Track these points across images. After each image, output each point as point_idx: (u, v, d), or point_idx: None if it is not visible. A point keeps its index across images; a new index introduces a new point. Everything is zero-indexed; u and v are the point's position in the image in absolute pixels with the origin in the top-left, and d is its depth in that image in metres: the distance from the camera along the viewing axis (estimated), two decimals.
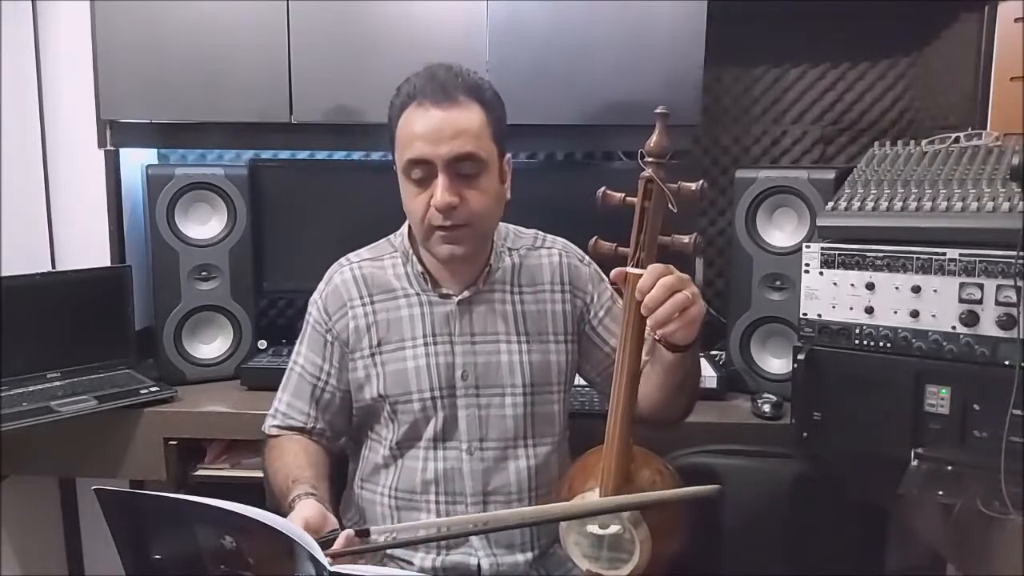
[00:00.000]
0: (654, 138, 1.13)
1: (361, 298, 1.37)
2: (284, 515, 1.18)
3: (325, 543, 1.05)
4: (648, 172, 1.13)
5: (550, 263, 1.41)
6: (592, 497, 1.17)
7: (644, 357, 1.32)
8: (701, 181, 1.12)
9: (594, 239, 1.18)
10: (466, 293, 1.35)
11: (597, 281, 1.42)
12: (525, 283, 1.39)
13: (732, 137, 2.16)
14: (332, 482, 1.33)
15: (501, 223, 1.42)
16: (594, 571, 1.17)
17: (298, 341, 1.42)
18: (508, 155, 1.33)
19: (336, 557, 1.03)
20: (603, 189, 1.17)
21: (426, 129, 1.22)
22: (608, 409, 1.18)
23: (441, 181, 1.23)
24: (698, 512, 1.29)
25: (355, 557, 1.37)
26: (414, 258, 1.36)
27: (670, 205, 1.12)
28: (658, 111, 1.13)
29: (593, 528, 1.14)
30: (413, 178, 1.25)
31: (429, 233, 1.27)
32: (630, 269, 1.14)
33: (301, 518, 1.11)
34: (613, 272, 1.16)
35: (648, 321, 1.12)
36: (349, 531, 1.08)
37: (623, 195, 1.16)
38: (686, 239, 1.13)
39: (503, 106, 1.32)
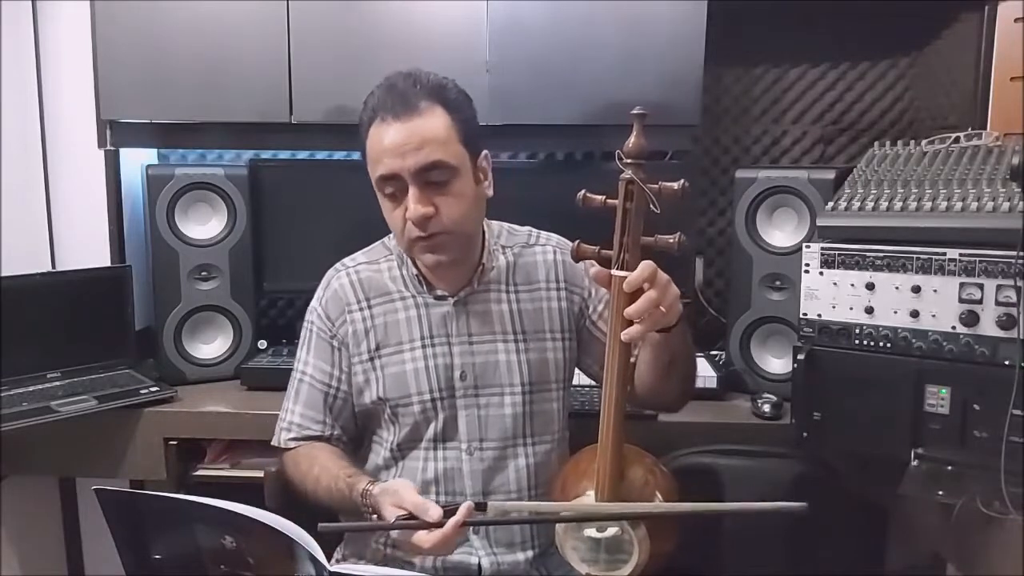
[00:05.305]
0: (632, 139, 1.11)
1: (359, 302, 1.37)
2: (349, 510, 1.23)
3: (448, 512, 1.08)
4: (628, 173, 1.10)
5: (545, 260, 1.41)
6: (587, 498, 1.16)
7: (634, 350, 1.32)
8: (682, 180, 1.10)
9: (576, 242, 1.15)
10: (461, 294, 1.35)
11: None
12: (520, 281, 1.39)
13: (732, 137, 2.16)
14: None
15: (494, 222, 1.42)
16: (594, 574, 1.16)
17: (301, 350, 1.41)
18: (485, 152, 1.31)
19: (464, 526, 1.08)
20: (583, 192, 1.14)
21: (391, 144, 1.21)
22: (600, 409, 1.17)
23: (412, 193, 1.22)
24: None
25: (364, 549, 1.37)
26: (409, 260, 1.36)
27: (652, 206, 1.10)
28: (634, 112, 1.11)
29: (591, 531, 1.13)
30: (386, 194, 1.26)
31: (411, 245, 1.28)
32: (615, 271, 1.12)
33: (408, 487, 1.13)
34: (593, 271, 1.14)
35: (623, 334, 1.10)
36: (469, 503, 1.09)
37: (604, 197, 1.13)
38: (670, 239, 1.10)
39: (471, 105, 1.30)
